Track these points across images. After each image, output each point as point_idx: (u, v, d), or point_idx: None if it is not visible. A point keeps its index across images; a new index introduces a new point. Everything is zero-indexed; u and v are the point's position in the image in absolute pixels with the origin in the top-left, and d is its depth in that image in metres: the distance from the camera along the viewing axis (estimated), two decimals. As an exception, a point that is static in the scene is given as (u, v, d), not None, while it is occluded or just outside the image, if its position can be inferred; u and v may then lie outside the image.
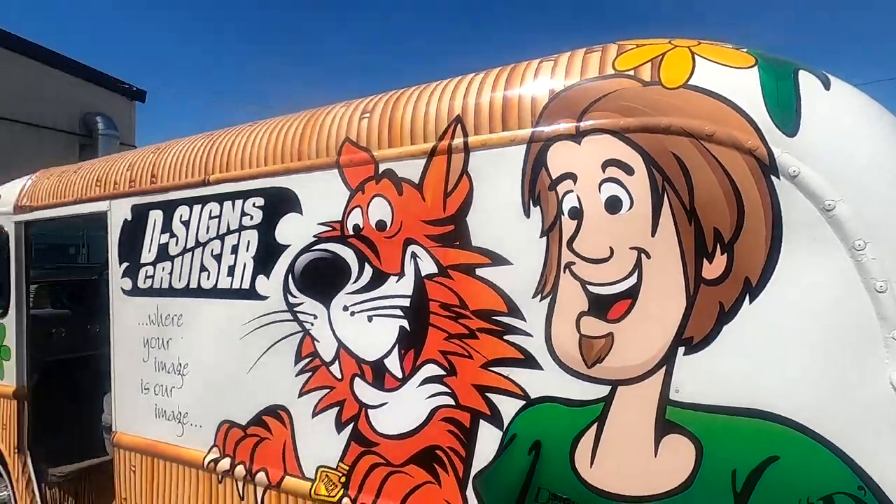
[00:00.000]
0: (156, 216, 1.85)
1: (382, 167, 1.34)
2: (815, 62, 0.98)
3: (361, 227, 1.37)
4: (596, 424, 1.06)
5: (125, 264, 1.94)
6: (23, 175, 2.61)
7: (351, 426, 1.40)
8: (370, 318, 1.36)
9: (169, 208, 1.81)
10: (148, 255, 1.86)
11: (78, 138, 14.63)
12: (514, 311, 1.15)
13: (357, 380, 1.39)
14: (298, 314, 1.49)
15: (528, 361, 1.13)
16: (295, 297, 1.49)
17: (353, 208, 1.39)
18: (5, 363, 2.50)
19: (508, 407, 1.16)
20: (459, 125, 1.23)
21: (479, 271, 1.20)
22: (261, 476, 1.57)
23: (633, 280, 1.02)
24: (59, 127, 14.31)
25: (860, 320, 0.86)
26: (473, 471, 1.21)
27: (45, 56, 14.17)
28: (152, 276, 1.85)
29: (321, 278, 1.43)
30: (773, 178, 0.91)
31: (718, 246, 0.96)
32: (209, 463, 1.68)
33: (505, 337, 1.16)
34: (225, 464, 1.65)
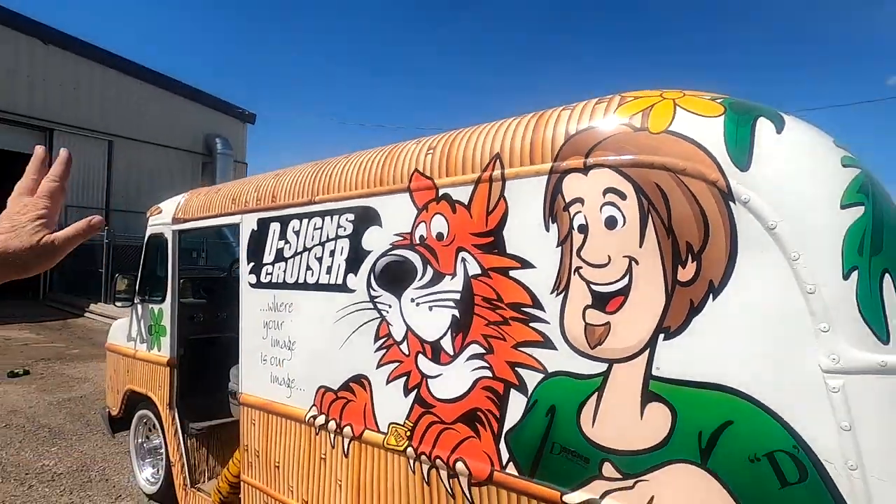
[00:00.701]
0: (275, 227, 2.41)
1: (441, 191, 1.74)
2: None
3: (425, 237, 1.77)
4: (596, 394, 1.36)
5: (251, 264, 2.52)
6: (177, 193, 3.38)
7: (415, 392, 1.80)
8: (430, 308, 1.76)
9: (285, 221, 2.35)
10: (268, 257, 2.42)
11: (201, 157, 16.91)
12: (536, 303, 1.48)
13: (420, 356, 1.79)
14: (378, 304, 1.92)
15: (547, 343, 1.46)
16: (375, 290, 1.93)
17: (419, 223, 1.80)
18: (162, 339, 3.25)
19: (532, 379, 1.49)
20: (499, 160, 1.59)
21: (511, 272, 1.55)
22: (347, 430, 2.02)
23: (625, 281, 1.32)
24: (187, 148, 16.63)
25: (796, 315, 1.09)
26: (505, 429, 1.55)
27: (177, 88, 16.56)
28: (271, 273, 2.41)
29: (395, 276, 1.86)
30: (730, 203, 1.17)
31: (690, 255, 1.23)
32: (309, 418, 2.17)
33: (530, 324, 1.50)
34: (321, 419, 2.13)
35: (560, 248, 1.44)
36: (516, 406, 1.53)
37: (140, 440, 3.63)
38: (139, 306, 3.47)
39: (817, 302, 1.07)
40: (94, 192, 14.25)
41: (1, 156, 12.90)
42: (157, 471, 3.48)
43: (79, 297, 12.12)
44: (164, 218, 3.27)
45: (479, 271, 1.63)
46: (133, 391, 3.53)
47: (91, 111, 14.21)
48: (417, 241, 1.80)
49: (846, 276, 1.07)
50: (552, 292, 1.45)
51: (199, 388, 3.31)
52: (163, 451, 3.36)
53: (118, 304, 3.48)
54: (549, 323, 1.46)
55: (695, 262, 1.22)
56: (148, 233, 3.45)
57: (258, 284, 2.47)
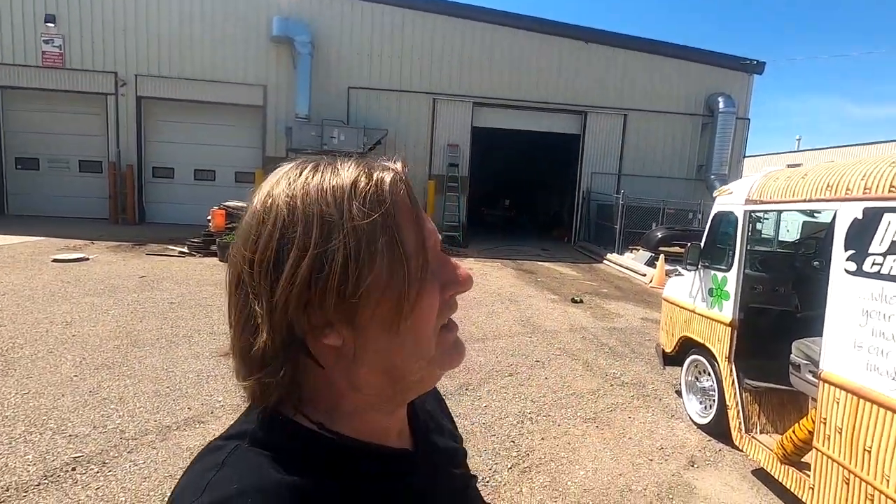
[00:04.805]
0: (890, 218, 2.37)
1: None
2: None
3: None
4: None
5: (850, 251, 2.59)
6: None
7: None
8: None
9: (908, 213, 2.27)
10: (878, 247, 2.42)
11: (701, 118, 17.02)
12: None
13: None
14: None
15: None
16: None
17: None
18: (724, 302, 3.82)
19: None
20: None
21: None
22: None
23: None
24: (688, 111, 17.11)
25: None
26: None
27: (680, 52, 17.14)
28: (880, 264, 2.41)
29: None
30: None
31: None
32: (926, 418, 2.13)
33: None
34: (944, 424, 2.05)
35: None
36: None
37: (690, 378, 4.46)
38: (700, 270, 4.18)
39: None
40: (610, 159, 17.13)
41: (551, 136, 17.56)
42: (705, 408, 4.20)
43: (599, 246, 15.26)
44: (734, 199, 3.75)
45: None
46: (688, 338, 4.35)
47: (611, 93, 16.90)
48: None
49: None
50: None
51: (752, 350, 3.72)
52: (713, 392, 4.02)
53: (688, 267, 4.31)
54: None
55: None
56: (715, 209, 4.05)
57: (859, 272, 2.53)
